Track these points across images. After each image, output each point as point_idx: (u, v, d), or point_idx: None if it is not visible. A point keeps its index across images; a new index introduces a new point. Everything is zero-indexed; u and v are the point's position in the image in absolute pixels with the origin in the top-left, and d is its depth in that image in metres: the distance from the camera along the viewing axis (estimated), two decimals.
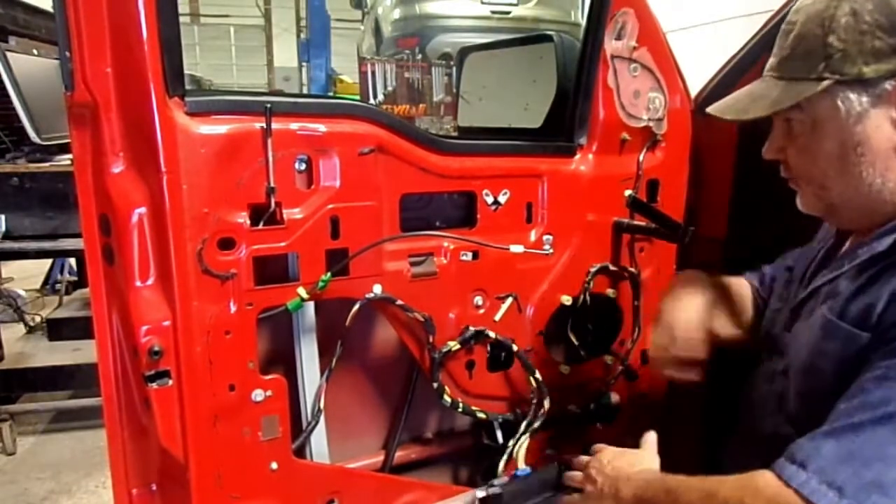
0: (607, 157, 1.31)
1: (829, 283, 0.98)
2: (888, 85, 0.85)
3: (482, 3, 6.96)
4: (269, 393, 1.06)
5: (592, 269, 1.32)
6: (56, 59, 2.63)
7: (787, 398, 1.00)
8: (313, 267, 1.05)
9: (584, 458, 1.14)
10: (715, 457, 1.24)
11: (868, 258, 0.92)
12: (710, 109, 1.03)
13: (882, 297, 0.86)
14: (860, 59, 0.85)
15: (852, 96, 0.87)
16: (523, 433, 1.25)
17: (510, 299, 1.26)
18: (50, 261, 4.29)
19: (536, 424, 1.27)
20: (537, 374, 1.27)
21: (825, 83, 0.87)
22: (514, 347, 1.26)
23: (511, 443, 1.25)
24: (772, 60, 0.96)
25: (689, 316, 1.15)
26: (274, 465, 1.08)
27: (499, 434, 1.33)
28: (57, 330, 3.18)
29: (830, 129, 0.89)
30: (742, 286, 1.25)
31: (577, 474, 1.13)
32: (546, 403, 1.26)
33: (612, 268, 1.35)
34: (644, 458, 1.10)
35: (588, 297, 1.32)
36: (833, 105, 0.88)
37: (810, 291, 1.03)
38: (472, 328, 1.22)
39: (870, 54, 0.85)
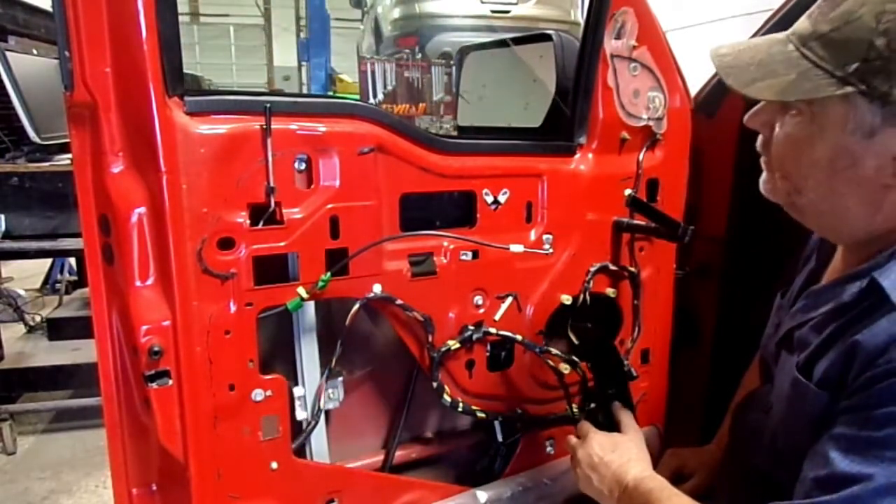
0: (607, 157, 1.31)
1: (799, 327, 0.93)
2: None
3: (482, 2, 6.96)
4: (269, 393, 1.06)
5: (592, 269, 1.32)
6: (56, 58, 2.62)
7: (778, 442, 0.94)
8: (313, 267, 1.05)
9: (573, 439, 1.12)
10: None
11: (833, 308, 0.86)
12: (713, 52, 0.87)
13: (841, 357, 0.80)
14: None
15: (867, 113, 0.76)
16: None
17: (510, 299, 1.26)
18: (50, 261, 4.29)
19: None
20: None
21: (847, 89, 0.75)
22: (519, 337, 1.25)
23: None
24: (806, 23, 0.81)
25: None
26: (274, 465, 1.08)
27: (499, 433, 1.34)
28: (57, 330, 3.18)
29: (829, 137, 0.79)
30: None
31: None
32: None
33: (612, 267, 1.35)
34: (629, 446, 1.05)
35: (588, 297, 1.32)
36: (843, 114, 0.77)
37: (786, 332, 0.97)
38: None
39: None
